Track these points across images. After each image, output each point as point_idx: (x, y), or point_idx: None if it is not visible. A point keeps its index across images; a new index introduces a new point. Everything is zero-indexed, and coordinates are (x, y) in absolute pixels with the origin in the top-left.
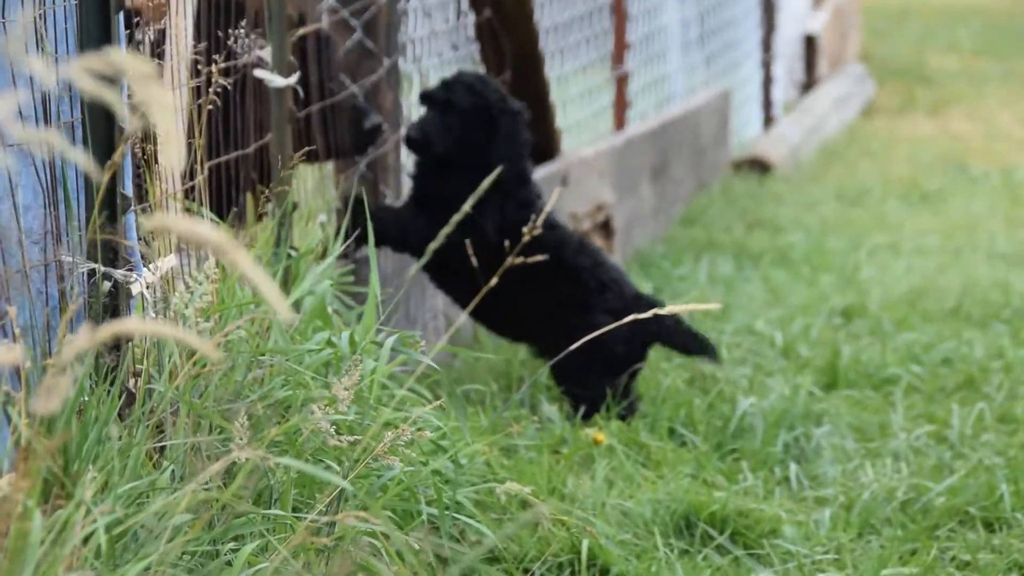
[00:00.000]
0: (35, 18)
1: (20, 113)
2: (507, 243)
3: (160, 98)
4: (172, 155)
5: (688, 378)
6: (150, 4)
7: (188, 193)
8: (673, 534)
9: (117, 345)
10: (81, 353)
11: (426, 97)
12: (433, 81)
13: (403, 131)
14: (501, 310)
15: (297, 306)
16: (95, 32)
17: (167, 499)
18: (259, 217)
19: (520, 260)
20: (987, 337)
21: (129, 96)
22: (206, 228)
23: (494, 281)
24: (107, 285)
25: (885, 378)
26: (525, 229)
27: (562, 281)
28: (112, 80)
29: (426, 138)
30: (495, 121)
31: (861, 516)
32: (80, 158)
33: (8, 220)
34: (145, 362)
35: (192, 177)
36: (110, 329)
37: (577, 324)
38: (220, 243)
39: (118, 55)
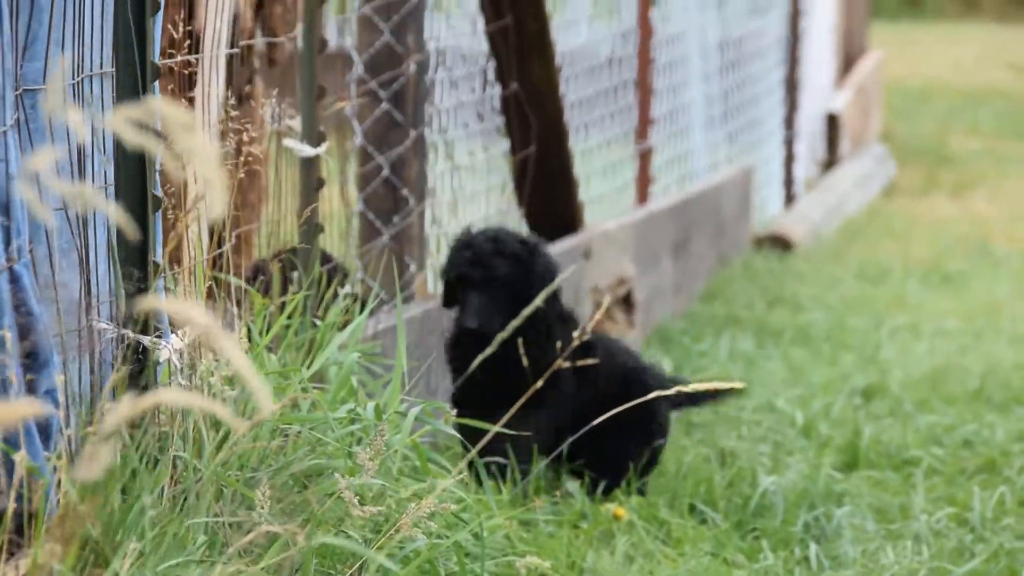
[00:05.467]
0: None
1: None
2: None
3: (202, 147)
4: (215, 206)
5: (708, 455)
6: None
7: (215, 261)
8: None
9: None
10: (124, 422)
11: (464, 279)
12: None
13: (467, 322)
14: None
15: (319, 375)
16: (129, 84)
17: (201, 573)
18: (284, 288)
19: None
20: (1009, 420)
21: (167, 146)
22: (196, 312)
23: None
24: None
25: (906, 459)
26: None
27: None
28: (151, 130)
29: (488, 324)
30: (528, 266)
31: None
32: (118, 216)
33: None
34: (171, 430)
35: (220, 245)
36: (152, 399)
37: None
38: (209, 328)
39: (157, 104)
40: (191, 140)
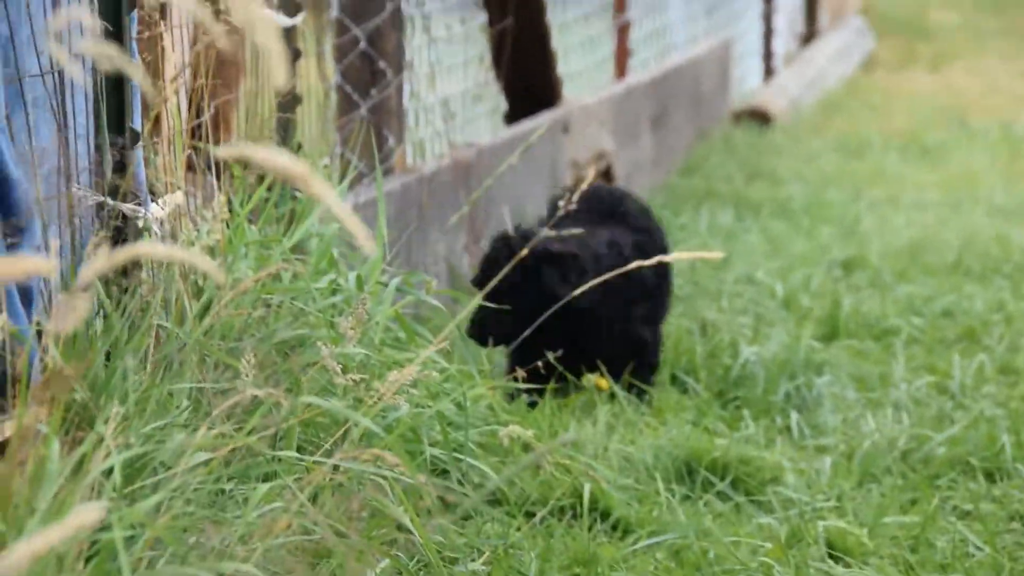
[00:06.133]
0: None
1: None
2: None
3: (260, 15)
4: (280, 75)
5: (690, 326)
6: None
7: (194, 132)
8: (674, 480)
9: (126, 275)
10: (99, 274)
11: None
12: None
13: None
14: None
15: (299, 248)
16: None
17: (185, 437)
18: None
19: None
20: (987, 290)
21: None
22: (287, 159)
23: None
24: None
25: (886, 329)
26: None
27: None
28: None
29: (502, 337)
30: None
31: (862, 465)
32: (136, 73)
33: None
34: (153, 299)
35: (199, 115)
36: (128, 252)
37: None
38: (301, 174)
39: None
40: (248, 8)
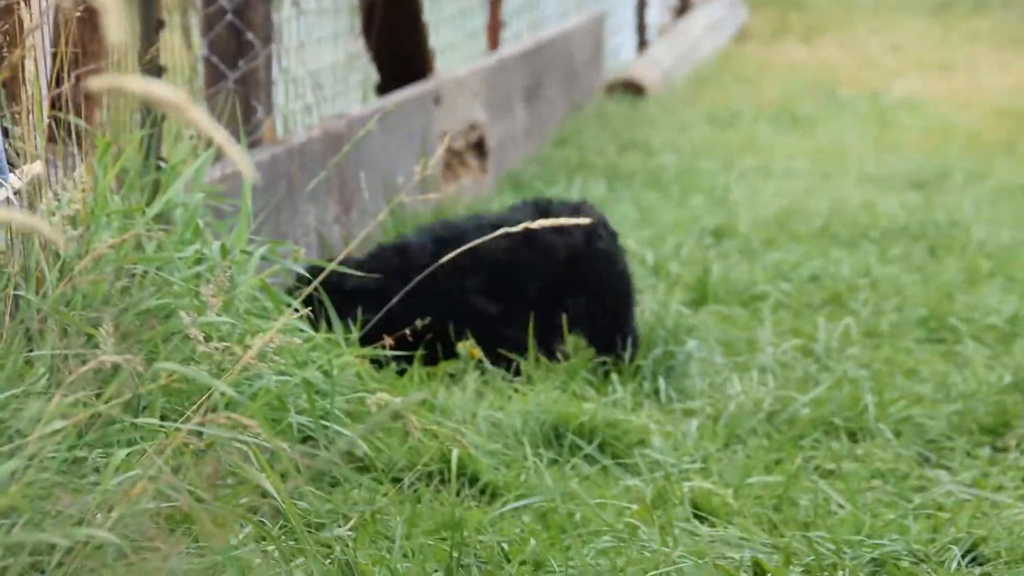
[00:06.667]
0: None
1: None
2: None
3: None
4: (115, 31)
5: None
6: None
7: (54, 102)
8: (543, 444)
9: None
10: None
11: None
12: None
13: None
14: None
15: (164, 218)
16: None
17: (41, 405)
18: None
19: None
20: (854, 256)
21: None
22: (161, 87)
23: None
24: None
25: (753, 295)
26: None
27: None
28: None
29: None
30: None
31: (728, 427)
32: None
33: None
34: (11, 267)
35: (59, 85)
36: None
37: None
38: (176, 102)
39: None
40: None
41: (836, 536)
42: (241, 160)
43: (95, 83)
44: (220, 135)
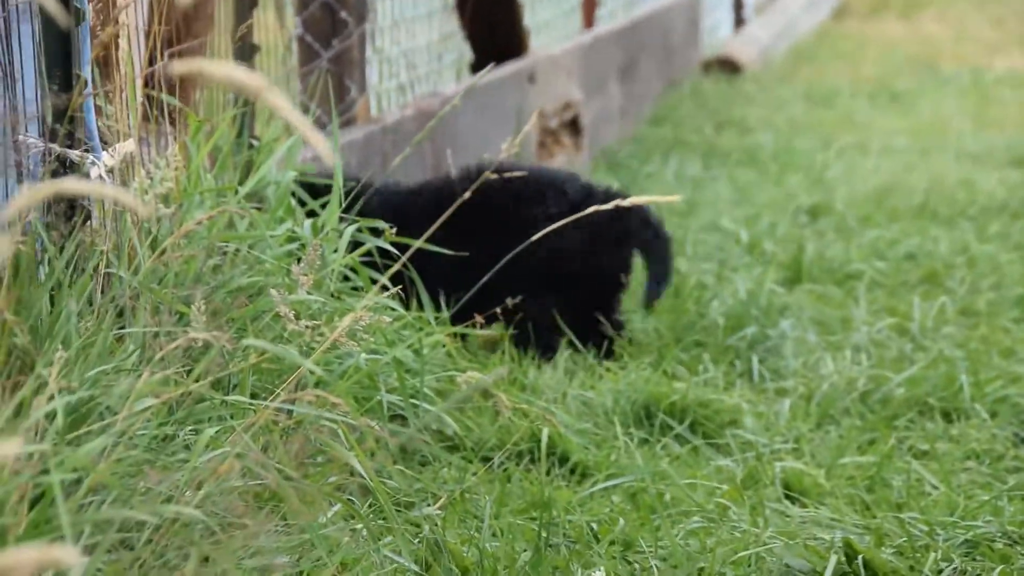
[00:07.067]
0: None
1: None
2: None
3: None
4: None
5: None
6: None
7: (148, 80)
8: (633, 424)
9: (68, 220)
10: (24, 210)
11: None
12: None
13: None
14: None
15: (256, 196)
16: None
17: (131, 382)
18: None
19: None
20: (952, 234)
21: None
22: (242, 72)
23: None
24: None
25: (848, 273)
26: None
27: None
28: None
29: None
30: None
31: (820, 407)
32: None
33: None
34: (100, 244)
35: (153, 64)
36: (51, 187)
37: None
38: (257, 87)
39: None
40: None
41: (929, 517)
42: (320, 145)
43: (178, 67)
44: (299, 119)
